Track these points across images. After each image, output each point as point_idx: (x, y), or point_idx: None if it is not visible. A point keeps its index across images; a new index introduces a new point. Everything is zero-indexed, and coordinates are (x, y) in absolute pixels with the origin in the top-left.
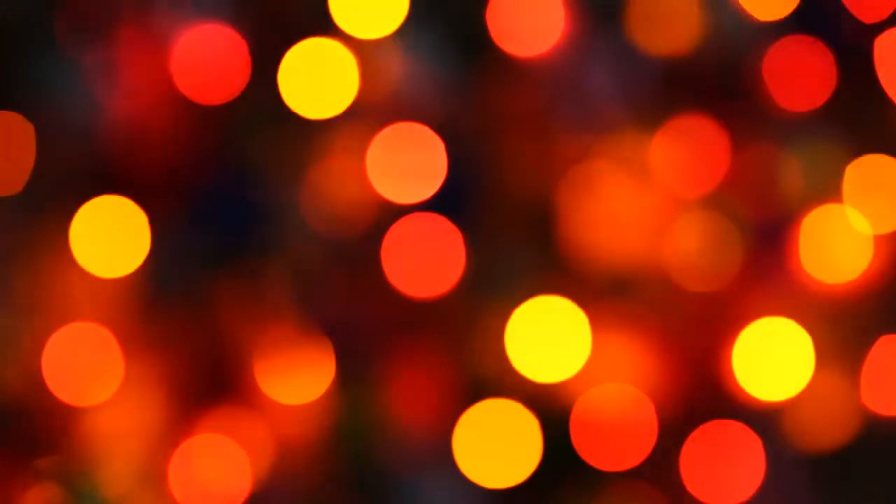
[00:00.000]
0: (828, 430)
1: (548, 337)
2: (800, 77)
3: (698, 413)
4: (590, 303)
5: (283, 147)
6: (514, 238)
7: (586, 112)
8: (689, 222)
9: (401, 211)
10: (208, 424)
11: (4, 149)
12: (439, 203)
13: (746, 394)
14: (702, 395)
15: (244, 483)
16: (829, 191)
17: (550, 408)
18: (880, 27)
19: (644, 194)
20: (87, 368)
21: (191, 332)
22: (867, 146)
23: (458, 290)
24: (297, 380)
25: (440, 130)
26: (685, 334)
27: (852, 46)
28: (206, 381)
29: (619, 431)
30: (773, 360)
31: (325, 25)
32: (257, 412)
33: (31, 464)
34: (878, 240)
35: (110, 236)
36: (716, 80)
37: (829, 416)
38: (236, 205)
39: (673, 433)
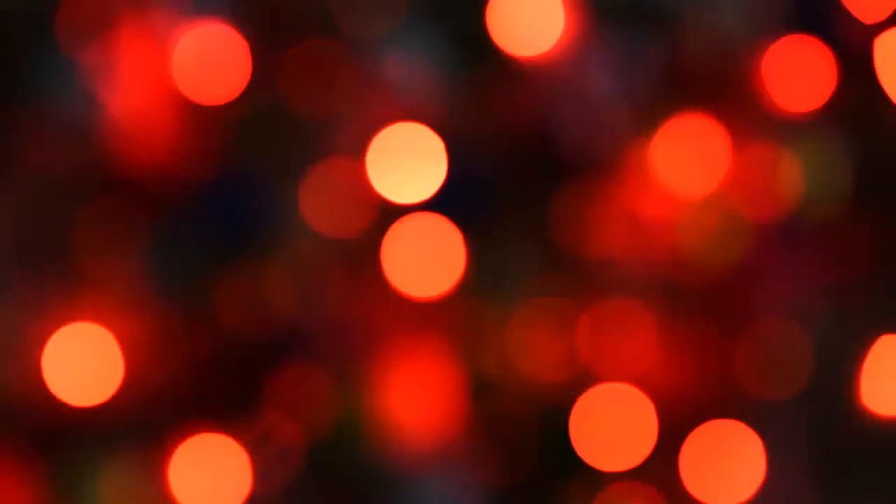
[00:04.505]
0: (827, 429)
1: (548, 337)
2: (800, 77)
3: (698, 413)
4: (590, 303)
5: (283, 147)
6: (514, 238)
7: (586, 112)
8: (689, 222)
9: (401, 211)
10: (208, 424)
11: (8, 149)
12: (439, 203)
13: (747, 393)
14: (702, 395)
15: (244, 483)
16: (828, 191)
17: (550, 408)
18: (880, 27)
19: (644, 194)
20: (87, 368)
21: (190, 332)
22: (867, 146)
23: (458, 290)
24: (296, 380)
25: (440, 130)
26: (685, 334)
27: (852, 46)
28: (206, 381)
29: (618, 431)
30: (772, 360)
31: (325, 25)
32: (257, 412)
33: (31, 464)
34: (877, 239)
35: (110, 236)
36: (716, 80)
37: (829, 415)
38: (236, 205)
39: (673, 433)
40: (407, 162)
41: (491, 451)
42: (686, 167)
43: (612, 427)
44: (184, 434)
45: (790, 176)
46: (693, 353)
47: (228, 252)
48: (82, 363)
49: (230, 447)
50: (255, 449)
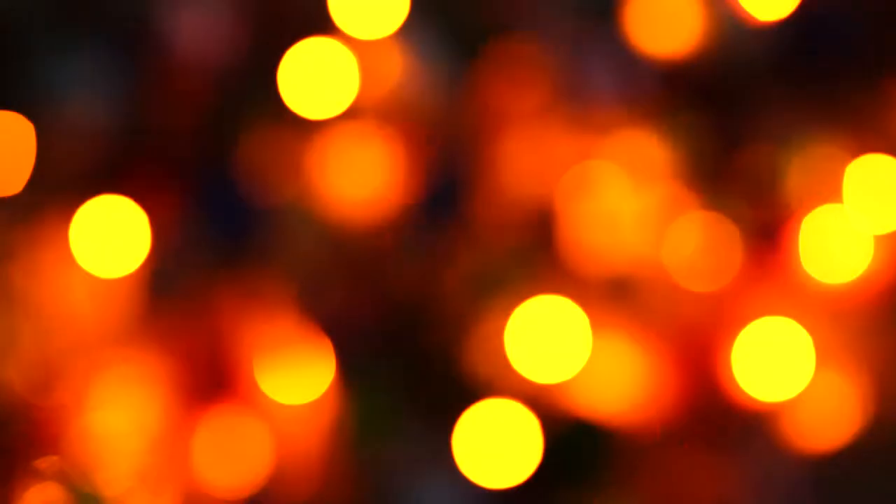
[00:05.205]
0: (828, 430)
1: (548, 337)
2: (799, 77)
3: (698, 413)
4: (590, 303)
5: (283, 147)
6: (513, 238)
7: (586, 112)
8: (689, 222)
9: (401, 211)
10: (208, 424)
11: (4, 149)
12: (439, 203)
13: (746, 394)
14: (701, 396)
15: (244, 483)
16: (829, 191)
17: (550, 408)
18: (880, 27)
19: (644, 194)
20: (87, 368)
21: (191, 332)
22: (867, 146)
23: (458, 290)
24: (297, 380)
25: (440, 130)
26: (685, 334)
27: (852, 46)
28: (206, 381)
29: (618, 431)
30: (773, 360)
31: (325, 25)
32: (257, 412)
33: (31, 464)
34: (878, 240)
35: (110, 236)
36: (716, 80)
37: (829, 416)
38: (236, 204)
39: (673, 433)
40: (404, 160)
41: (491, 451)
42: (686, 167)
43: (611, 427)
44: (184, 434)
45: (790, 176)
46: (693, 354)
47: (228, 252)
48: (82, 362)
49: (230, 447)
50: (256, 449)
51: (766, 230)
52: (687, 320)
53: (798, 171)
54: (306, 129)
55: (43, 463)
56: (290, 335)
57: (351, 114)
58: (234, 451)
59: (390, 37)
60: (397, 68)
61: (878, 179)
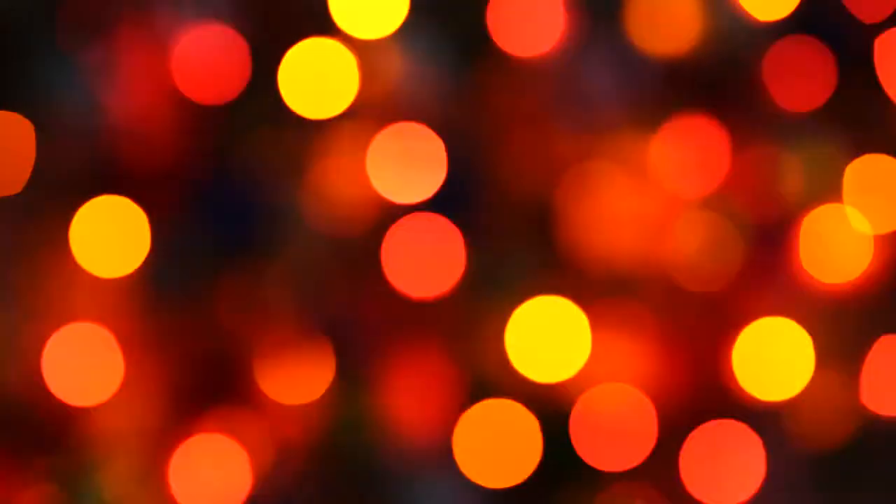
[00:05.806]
0: (828, 430)
1: (548, 337)
2: (800, 77)
3: (698, 413)
4: (590, 303)
5: (283, 147)
6: (514, 238)
7: (586, 112)
8: (689, 222)
9: (401, 211)
10: (208, 424)
11: (4, 149)
12: (439, 203)
13: (746, 394)
14: (702, 395)
15: (244, 483)
16: (829, 191)
17: (550, 408)
18: (880, 27)
19: (644, 194)
20: (87, 368)
21: (191, 332)
22: (867, 146)
23: (458, 290)
24: (297, 380)
25: (440, 130)
26: (685, 334)
27: (852, 46)
28: (206, 381)
29: (619, 431)
30: (773, 360)
31: (325, 25)
32: (257, 412)
33: (31, 464)
34: (878, 240)
35: (110, 236)
36: (716, 80)
37: (829, 416)
38: (236, 205)
39: (673, 433)
40: (407, 162)
41: (491, 451)
42: (686, 167)
43: (612, 427)
44: (184, 434)
45: (790, 176)
46: (693, 354)
47: (228, 252)
48: (82, 363)
49: (230, 447)
50: (256, 449)
51: (766, 230)
52: (687, 320)
53: (798, 171)
54: (306, 129)
55: (43, 463)
56: (290, 335)
57: (351, 114)
58: (234, 451)
59: (390, 37)
60: (397, 68)
61: (879, 179)
